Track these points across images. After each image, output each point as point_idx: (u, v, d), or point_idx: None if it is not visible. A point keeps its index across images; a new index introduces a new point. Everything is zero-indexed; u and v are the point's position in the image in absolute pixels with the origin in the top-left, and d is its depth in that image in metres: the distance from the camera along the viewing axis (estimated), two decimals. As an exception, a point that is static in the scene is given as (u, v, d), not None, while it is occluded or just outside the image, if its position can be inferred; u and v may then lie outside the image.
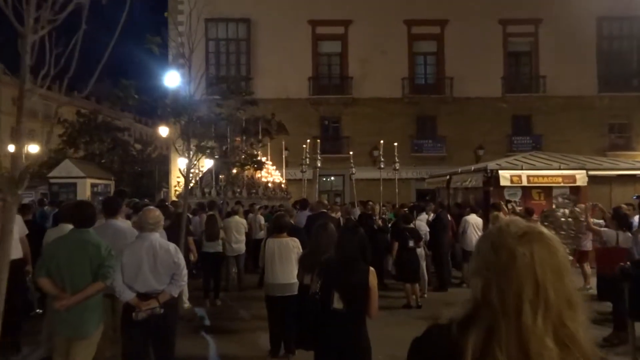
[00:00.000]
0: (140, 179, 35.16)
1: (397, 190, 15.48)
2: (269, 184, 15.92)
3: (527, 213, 9.61)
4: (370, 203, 11.13)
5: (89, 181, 25.09)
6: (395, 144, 14.32)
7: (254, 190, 15.15)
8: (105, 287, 3.92)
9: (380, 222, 9.84)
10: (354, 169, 13.56)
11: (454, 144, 25.48)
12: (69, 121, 31.60)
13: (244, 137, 15.10)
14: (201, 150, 11.55)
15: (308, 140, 14.84)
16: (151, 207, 4.39)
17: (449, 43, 25.86)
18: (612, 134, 26.26)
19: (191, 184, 16.69)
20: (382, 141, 12.56)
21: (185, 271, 4.17)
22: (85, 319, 3.85)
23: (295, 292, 5.54)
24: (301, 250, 5.63)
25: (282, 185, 16.87)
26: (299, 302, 4.99)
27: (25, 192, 25.04)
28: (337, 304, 3.34)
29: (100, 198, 15.78)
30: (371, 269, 3.49)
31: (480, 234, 10.06)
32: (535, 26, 26.09)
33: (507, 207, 10.49)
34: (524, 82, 26.53)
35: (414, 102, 25.72)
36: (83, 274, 3.84)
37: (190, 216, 10.90)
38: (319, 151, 12.58)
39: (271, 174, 17.06)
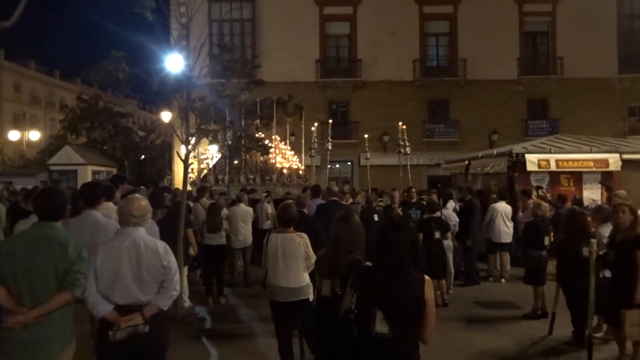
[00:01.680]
0: (144, 166, 34.48)
1: (410, 176, 14.67)
2: (284, 170, 15.04)
3: (561, 200, 8.73)
4: (394, 191, 10.29)
5: (90, 168, 24.41)
6: (404, 126, 13.39)
7: (268, 177, 14.33)
8: (74, 298, 3.08)
9: (400, 211, 8.99)
10: (368, 153, 12.64)
11: (466, 129, 24.52)
12: (70, 107, 30.89)
13: (249, 120, 14.24)
14: (203, 133, 10.73)
15: (316, 124, 13.96)
16: (137, 195, 3.54)
17: (462, 23, 24.78)
18: (632, 117, 25.20)
19: (204, 171, 15.96)
20: (400, 123, 11.60)
21: (177, 277, 3.32)
22: (50, 338, 3.03)
23: (303, 297, 4.72)
24: (310, 248, 4.80)
25: (300, 172, 15.92)
26: (313, 313, 4.16)
27: (24, 180, 24.51)
28: (381, 327, 2.50)
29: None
30: (427, 277, 2.62)
31: (509, 223, 9.20)
32: (552, 5, 24.95)
33: (538, 193, 9.60)
34: (541, 64, 25.44)
35: (425, 85, 24.73)
36: (45, 281, 3.01)
37: (191, 204, 10.09)
38: (330, 135, 11.61)
39: (288, 159, 16.13)
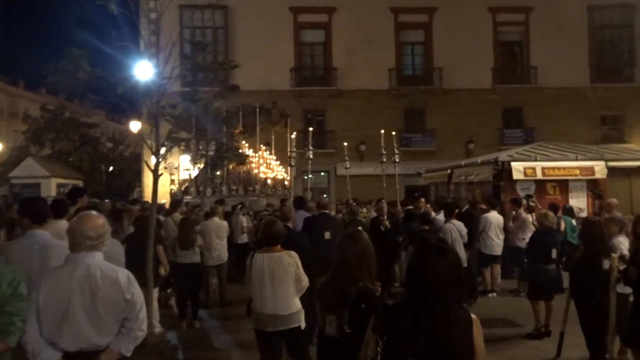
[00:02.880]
0: (112, 178, 33.31)
1: (384, 185, 14.15)
2: (269, 180, 14.41)
3: (553, 209, 8.33)
4: (383, 203, 9.75)
5: (54, 181, 23.27)
6: (382, 131, 12.85)
7: (251, 188, 13.71)
8: (8, 347, 2.41)
9: (387, 222, 8.45)
10: (348, 162, 12.11)
11: (443, 138, 24.34)
12: (33, 117, 29.61)
13: (227, 129, 13.61)
14: (175, 142, 10.01)
15: (295, 133, 13.35)
16: (92, 211, 2.88)
17: (438, 32, 24.68)
18: (604, 126, 25.45)
19: (186, 183, 15.21)
20: (382, 131, 11.11)
21: (143, 314, 2.67)
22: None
23: (294, 325, 4.12)
24: (300, 268, 4.20)
25: (286, 182, 15.30)
26: (305, 343, 3.55)
27: (-17, 194, 22.76)
28: None
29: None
30: (474, 317, 2.05)
31: (501, 235, 8.77)
32: (525, 15, 25.11)
33: (528, 203, 9.22)
34: (515, 73, 25.53)
35: (401, 94, 24.47)
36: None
37: (162, 218, 9.36)
38: (310, 143, 11.02)
39: (273, 170, 15.49)
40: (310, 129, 10.78)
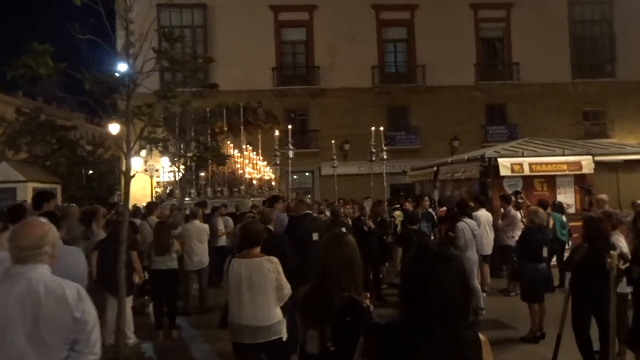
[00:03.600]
0: (91, 182, 32.55)
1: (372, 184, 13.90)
2: (254, 181, 14.04)
3: (542, 206, 8.12)
4: (365, 202, 9.44)
5: (30, 185, 22.57)
6: (373, 128, 12.62)
7: (236, 188, 13.34)
8: None
9: (370, 222, 8.12)
10: (335, 161, 11.81)
11: (427, 136, 24.19)
12: (8, 120, 28.76)
13: (209, 128, 13.22)
14: (152, 143, 9.58)
15: (277, 133, 13.00)
16: (34, 218, 2.52)
17: (420, 29, 24.55)
18: (586, 121, 25.54)
19: (169, 187, 14.77)
20: (373, 128, 10.84)
21: (96, 334, 2.30)
22: None
23: (275, 337, 3.79)
24: (282, 275, 3.88)
25: (273, 183, 14.96)
26: (287, 356, 3.22)
27: (-44, 201, 22.13)
28: None
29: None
30: (483, 337, 1.72)
31: (492, 233, 8.53)
32: (506, 11, 25.11)
33: (517, 199, 8.99)
34: (498, 70, 25.50)
35: (384, 92, 24.26)
36: None
37: (138, 221, 8.95)
38: (291, 142, 10.70)
39: (259, 170, 15.09)
40: (290, 126, 10.43)
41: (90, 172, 32.86)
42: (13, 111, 30.45)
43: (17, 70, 5.55)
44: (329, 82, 23.88)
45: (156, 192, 16.72)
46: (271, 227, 5.39)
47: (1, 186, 22.19)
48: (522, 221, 8.59)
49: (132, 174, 6.27)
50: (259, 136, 15.55)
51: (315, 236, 6.17)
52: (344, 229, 7.62)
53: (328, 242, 2.42)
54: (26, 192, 21.71)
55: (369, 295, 2.44)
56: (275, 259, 3.92)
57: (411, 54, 24.87)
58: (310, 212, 6.59)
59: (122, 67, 6.23)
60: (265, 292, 3.78)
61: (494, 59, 25.77)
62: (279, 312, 3.87)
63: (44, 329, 2.17)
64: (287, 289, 3.91)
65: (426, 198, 9.10)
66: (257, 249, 3.93)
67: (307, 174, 24.74)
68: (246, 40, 22.69)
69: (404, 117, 24.62)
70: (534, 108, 24.34)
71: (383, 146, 10.20)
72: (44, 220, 2.42)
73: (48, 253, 2.29)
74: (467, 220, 7.31)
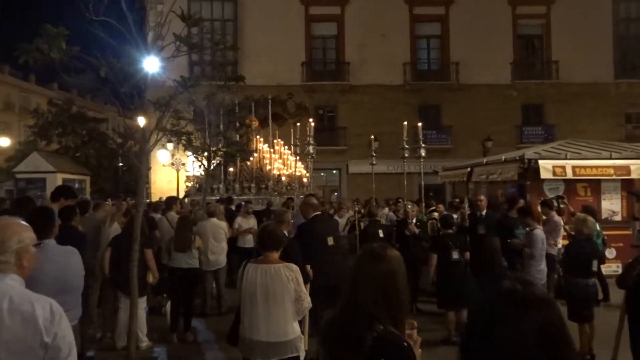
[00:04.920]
0: (121, 174, 32.81)
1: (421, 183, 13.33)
2: (283, 177, 13.65)
3: (590, 213, 7.43)
4: (408, 203, 8.90)
5: (60, 176, 22.85)
6: (405, 123, 12.03)
7: (264, 185, 13.00)
8: None
9: (414, 227, 7.58)
10: (374, 158, 11.28)
11: (459, 135, 23.43)
12: (40, 111, 29.20)
13: (236, 122, 12.93)
14: (175, 134, 9.27)
15: (312, 122, 12.55)
16: (3, 218, 2.12)
17: (454, 25, 23.78)
18: (629, 124, 24.36)
19: (200, 180, 14.58)
20: (405, 123, 10.29)
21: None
22: None
23: (291, 355, 3.35)
24: (302, 285, 3.43)
25: (304, 180, 14.49)
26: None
27: (-12, 189, 22.56)
28: None
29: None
30: None
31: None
32: (547, 7, 24.11)
33: (559, 205, 8.34)
34: (535, 68, 24.53)
35: (416, 90, 23.59)
36: None
37: (159, 216, 8.64)
38: (312, 137, 10.16)
39: (289, 166, 14.62)
40: (312, 121, 9.91)
41: (120, 164, 33.14)
42: (44, 102, 30.96)
43: (29, 54, 5.27)
44: (359, 78, 23.38)
45: (186, 186, 16.55)
46: (284, 230, 4.82)
47: (31, 176, 22.50)
48: (564, 228, 7.97)
49: (149, 167, 5.92)
50: (291, 130, 15.11)
51: (330, 240, 5.66)
52: (381, 231, 7.18)
53: (361, 257, 1.93)
54: (55, 183, 21.90)
55: (415, 324, 1.95)
56: (295, 267, 3.48)
57: (444, 50, 24.14)
58: (318, 213, 6.01)
59: (148, 61, 5.87)
60: (282, 304, 3.35)
61: (532, 56, 24.83)
62: (296, 327, 3.44)
63: (4, 355, 1.77)
64: (307, 301, 3.48)
65: (482, 197, 8.02)
66: (276, 255, 3.50)
67: (334, 171, 24.27)
68: (276, 34, 22.37)
69: (435, 116, 23.92)
70: (573, 109, 23.32)
71: (421, 143, 9.58)
72: (16, 220, 2.02)
73: (10, 262, 1.88)
74: (541, 228, 6.57)
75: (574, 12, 23.08)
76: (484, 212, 7.35)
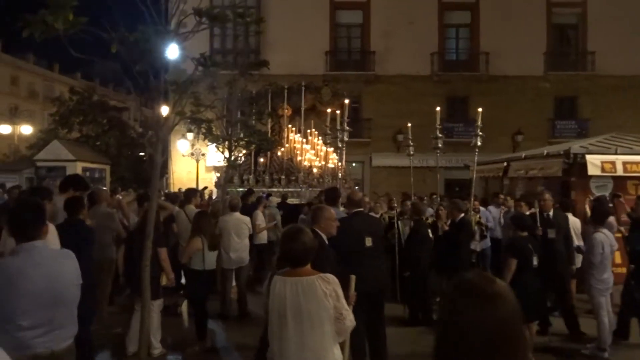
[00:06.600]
0: (141, 164, 32.65)
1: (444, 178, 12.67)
2: (314, 169, 13.07)
3: (650, 215, 6.68)
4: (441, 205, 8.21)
5: (79, 165, 22.70)
6: (438, 108, 11.24)
7: (294, 177, 12.47)
8: None
9: (445, 225, 6.92)
10: (412, 148, 10.48)
11: (488, 128, 22.25)
12: (61, 99, 29.13)
13: (253, 111, 12.35)
14: (193, 121, 8.76)
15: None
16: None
17: (485, 14, 22.80)
18: (670, 119, 23.11)
19: (229, 171, 14.13)
20: (438, 108, 9.57)
21: None
22: None
23: None
24: (342, 301, 2.81)
25: (340, 172, 13.82)
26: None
27: (9, 176, 22.80)
28: None
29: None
30: None
31: (580, 243, 7.16)
32: (583, -5, 22.94)
33: (613, 203, 7.58)
34: (570, 59, 23.41)
35: (444, 81, 22.73)
36: None
37: (176, 209, 8.09)
38: (340, 123, 9.39)
39: (322, 157, 13.97)
40: (338, 111, 9.16)
41: (141, 154, 32.98)
42: (67, 90, 30.93)
43: (35, 27, 4.73)
44: (385, 68, 22.63)
45: (216, 176, 16.14)
46: (319, 232, 3.99)
47: (52, 164, 22.37)
48: (619, 229, 7.22)
49: (164, 156, 5.36)
50: (327, 118, 14.37)
51: (368, 241, 5.01)
52: (429, 231, 6.52)
53: (462, 297, 1.29)
54: (75, 171, 21.75)
55: None
56: (332, 278, 2.85)
57: (474, 40, 23.18)
58: (360, 209, 5.34)
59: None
60: (320, 325, 2.73)
61: (567, 47, 23.72)
62: (337, 354, 2.82)
63: None
64: (350, 319, 2.86)
65: (547, 195, 7.22)
66: (307, 266, 2.88)
67: (353, 164, 23.55)
68: (299, 22, 21.75)
69: (463, 108, 23.02)
70: (609, 102, 22.21)
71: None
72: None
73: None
74: (605, 231, 5.69)
75: (611, 1, 21.94)
76: (550, 213, 6.61)
